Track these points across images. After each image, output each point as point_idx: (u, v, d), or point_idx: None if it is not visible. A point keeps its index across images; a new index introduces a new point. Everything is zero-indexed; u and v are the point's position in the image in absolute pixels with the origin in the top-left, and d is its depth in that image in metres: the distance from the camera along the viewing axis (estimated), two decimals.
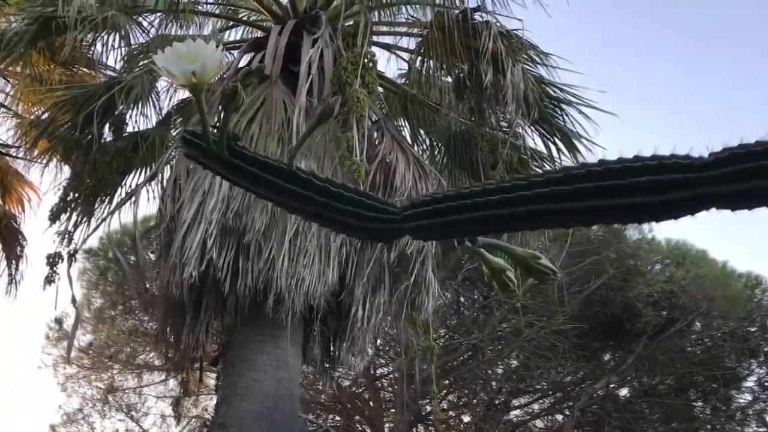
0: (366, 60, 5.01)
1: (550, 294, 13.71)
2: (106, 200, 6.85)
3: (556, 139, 6.72)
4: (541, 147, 6.86)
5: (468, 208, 1.46)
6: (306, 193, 1.61)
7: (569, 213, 1.35)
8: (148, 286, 5.95)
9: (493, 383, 17.00)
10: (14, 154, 7.88)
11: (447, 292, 16.96)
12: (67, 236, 6.07)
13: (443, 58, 6.13)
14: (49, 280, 5.87)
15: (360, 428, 16.25)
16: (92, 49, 7.84)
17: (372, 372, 17.17)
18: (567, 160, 6.75)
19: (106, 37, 7.10)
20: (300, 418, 4.96)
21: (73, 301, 5.65)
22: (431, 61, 6.52)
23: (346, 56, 5.15)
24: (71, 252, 6.04)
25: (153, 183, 6.50)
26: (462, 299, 17.18)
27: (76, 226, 6.77)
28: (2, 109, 8.48)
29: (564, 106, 6.29)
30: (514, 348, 14.17)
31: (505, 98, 5.35)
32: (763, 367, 15.35)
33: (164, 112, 7.50)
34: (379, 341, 17.44)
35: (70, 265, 5.96)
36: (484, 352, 15.00)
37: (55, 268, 5.91)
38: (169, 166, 6.21)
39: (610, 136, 6.48)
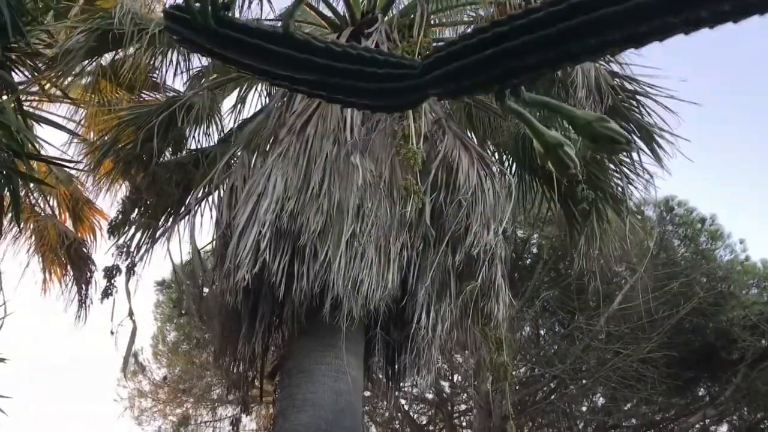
0: (423, 48, 4.74)
1: (635, 320, 12.89)
2: (170, 218, 6.77)
3: (634, 136, 6.25)
4: None
5: (505, 37, 1.11)
6: (303, 56, 1.30)
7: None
8: (206, 297, 5.76)
9: (579, 422, 16.09)
10: (82, 177, 7.97)
11: (526, 325, 16.29)
12: (125, 250, 5.99)
13: None
14: (106, 293, 5.78)
15: None
16: (156, 72, 7.92)
17: (450, 408, 16.58)
18: (647, 160, 6.27)
19: (167, 56, 7.13)
20: None
21: (131, 314, 5.53)
22: None
23: (402, 46, 4.91)
24: (130, 265, 5.95)
25: (213, 199, 6.38)
26: (542, 332, 16.46)
27: (140, 246, 6.71)
28: (74, 137, 8.64)
29: (640, 98, 5.83)
30: (598, 379, 13.31)
31: (575, 84, 4.96)
32: None
33: (226, 129, 7.45)
34: (457, 377, 16.89)
35: (128, 279, 5.88)
36: (567, 385, 14.19)
37: (113, 281, 5.83)
38: (227, 179, 6.06)
39: (693, 126, 5.94)
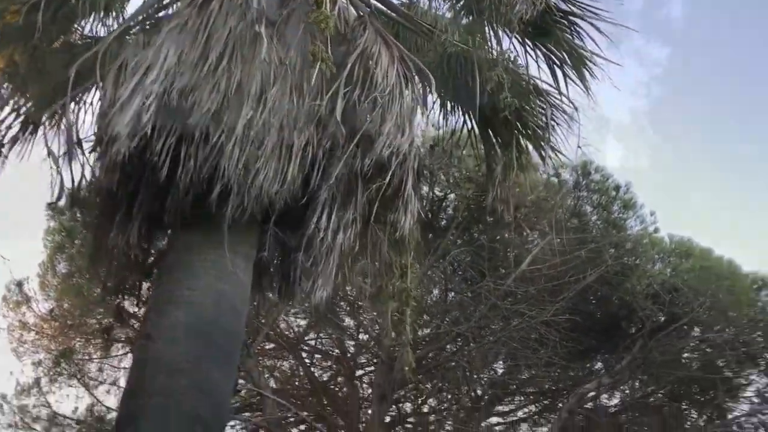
0: None
1: (543, 282, 12.89)
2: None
3: (564, 65, 5.97)
4: (546, 75, 6.12)
5: None
6: None
7: None
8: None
9: (478, 389, 16.14)
10: None
11: (434, 288, 16.13)
12: None
13: None
14: None
15: (333, 420, 15.37)
16: None
17: (352, 364, 16.33)
18: (575, 87, 6.00)
19: None
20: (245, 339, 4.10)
21: None
22: None
23: None
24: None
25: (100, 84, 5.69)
26: (450, 295, 16.30)
27: (17, 135, 5.98)
28: None
29: (574, 19, 5.54)
30: (501, 338, 13.26)
31: None
32: (764, 377, 14.53)
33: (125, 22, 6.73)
34: (362, 335, 16.59)
35: None
36: (469, 343, 14.10)
37: None
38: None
39: (630, 52, 5.68)
